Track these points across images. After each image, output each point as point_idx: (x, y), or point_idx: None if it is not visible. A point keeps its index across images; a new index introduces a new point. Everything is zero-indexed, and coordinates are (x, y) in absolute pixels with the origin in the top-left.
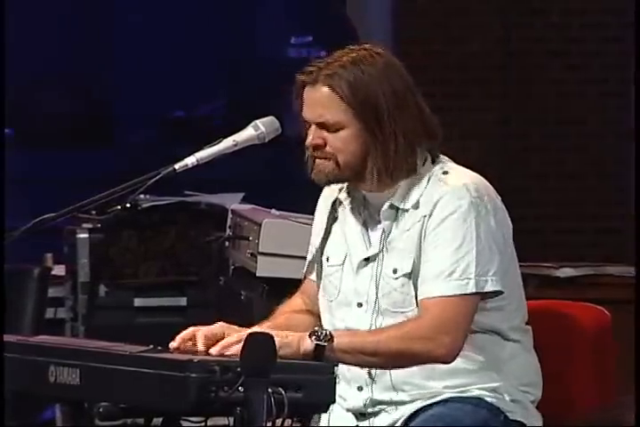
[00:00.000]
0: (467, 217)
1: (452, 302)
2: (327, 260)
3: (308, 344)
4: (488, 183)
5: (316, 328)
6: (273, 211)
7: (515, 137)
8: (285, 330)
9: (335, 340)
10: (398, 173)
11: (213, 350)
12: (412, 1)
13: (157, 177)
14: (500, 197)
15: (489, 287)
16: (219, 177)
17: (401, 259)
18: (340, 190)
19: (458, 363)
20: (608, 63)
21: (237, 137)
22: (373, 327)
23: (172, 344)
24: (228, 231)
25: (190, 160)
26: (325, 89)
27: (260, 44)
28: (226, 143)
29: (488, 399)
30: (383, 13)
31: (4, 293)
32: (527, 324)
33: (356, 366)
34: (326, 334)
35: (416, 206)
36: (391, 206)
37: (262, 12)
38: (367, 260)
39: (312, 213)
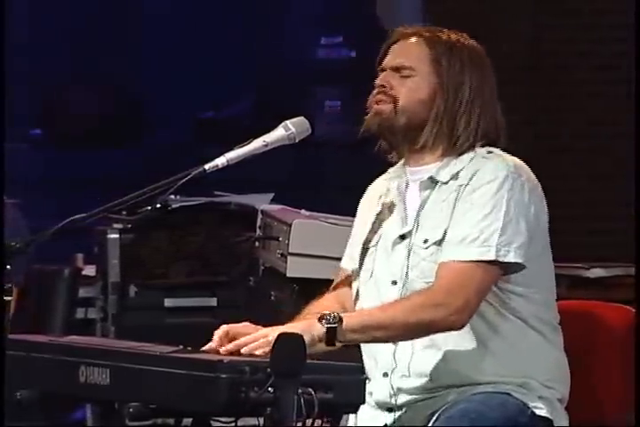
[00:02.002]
0: (500, 188)
1: (468, 268)
2: (364, 245)
3: (319, 329)
4: (530, 171)
5: (325, 312)
6: (303, 211)
7: (543, 138)
8: None
9: (345, 320)
10: (455, 144)
11: (225, 348)
12: (441, 2)
13: (187, 177)
14: (540, 186)
15: (510, 258)
16: (248, 177)
17: (433, 229)
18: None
19: (478, 347)
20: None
21: (268, 137)
22: None
23: (211, 345)
24: (258, 232)
25: (220, 161)
26: (420, 41)
27: (290, 44)
28: (256, 144)
29: (515, 394)
30: (413, 14)
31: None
32: (559, 324)
33: (371, 342)
34: (335, 316)
35: (455, 178)
36: (430, 178)
37: (292, 13)
38: (403, 237)
39: (342, 213)
